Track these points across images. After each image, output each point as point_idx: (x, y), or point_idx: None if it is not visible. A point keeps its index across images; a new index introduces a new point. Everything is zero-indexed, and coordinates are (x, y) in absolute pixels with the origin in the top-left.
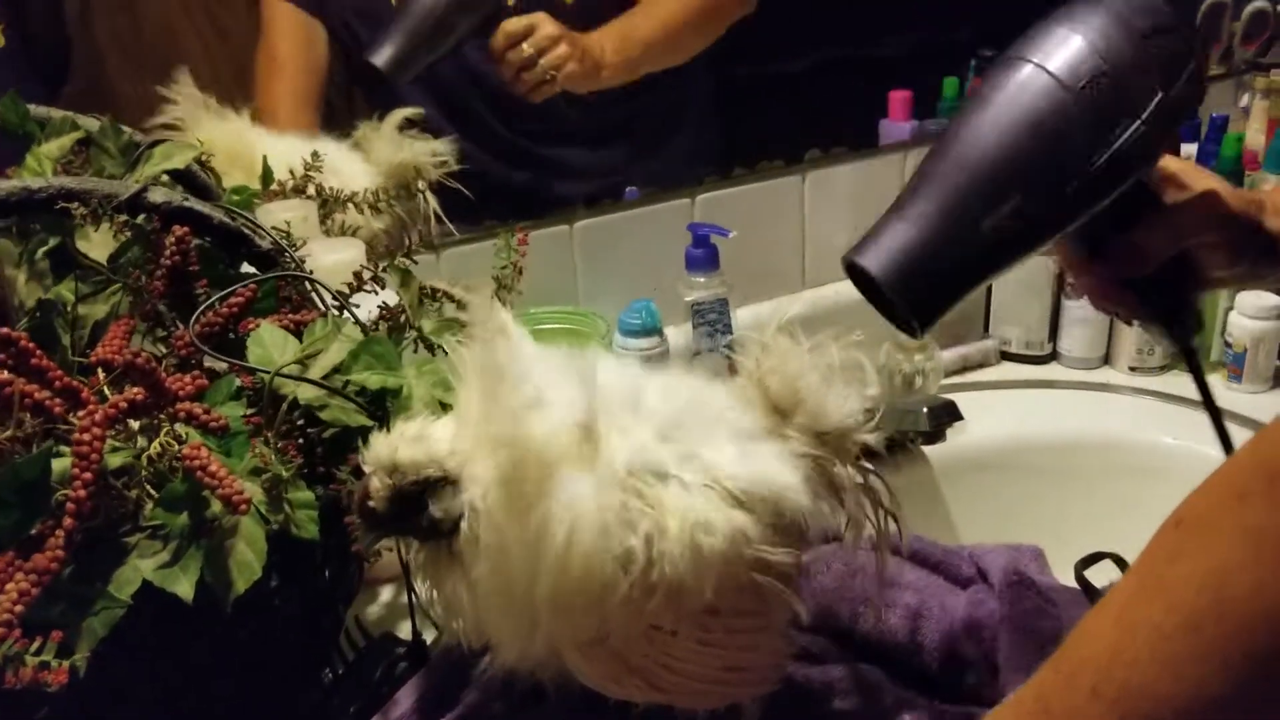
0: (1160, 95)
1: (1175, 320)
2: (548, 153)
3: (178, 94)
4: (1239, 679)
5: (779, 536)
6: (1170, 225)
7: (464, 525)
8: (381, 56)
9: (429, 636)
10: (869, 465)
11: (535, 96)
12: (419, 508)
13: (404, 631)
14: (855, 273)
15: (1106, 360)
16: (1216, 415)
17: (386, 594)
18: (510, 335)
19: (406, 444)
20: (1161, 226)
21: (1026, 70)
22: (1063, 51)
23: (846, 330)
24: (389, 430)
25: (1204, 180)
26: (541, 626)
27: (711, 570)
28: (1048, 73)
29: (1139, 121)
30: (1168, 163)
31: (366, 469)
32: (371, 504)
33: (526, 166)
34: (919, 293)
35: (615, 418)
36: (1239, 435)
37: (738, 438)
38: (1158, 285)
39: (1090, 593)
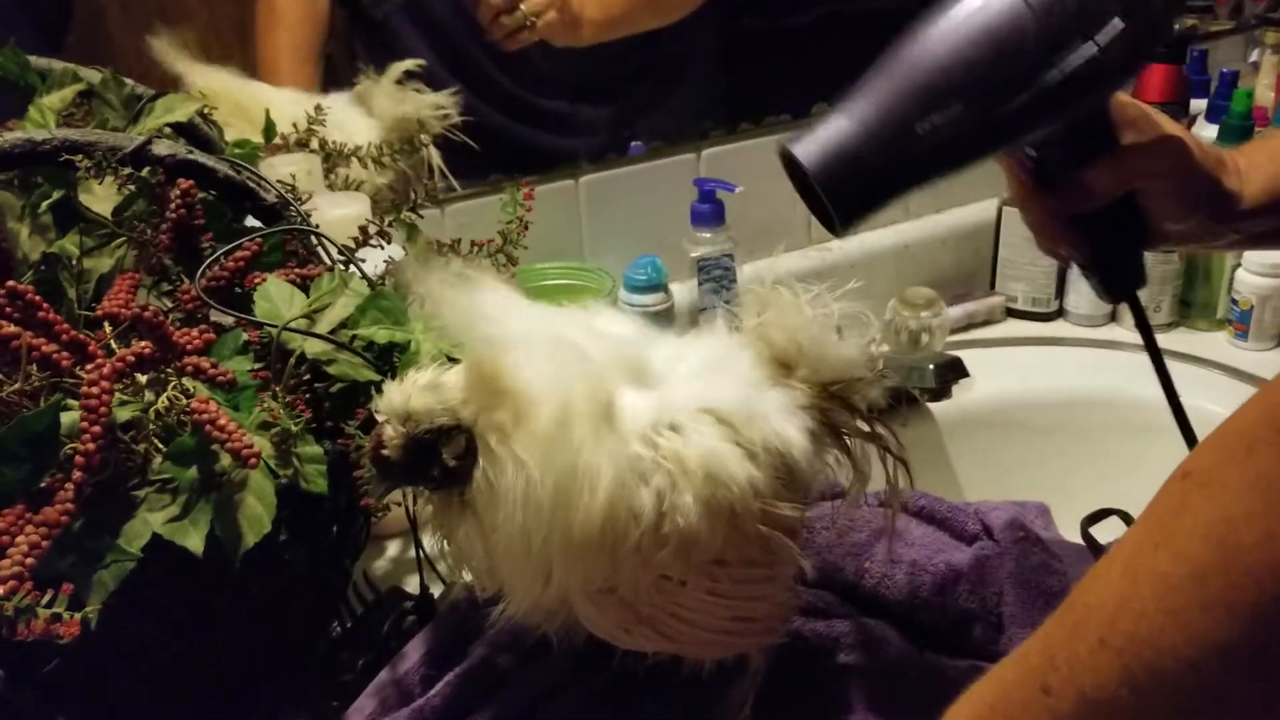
0: (1120, 24)
1: (1115, 269)
2: (550, 105)
3: (177, 46)
4: (1246, 629)
5: (786, 490)
6: (1121, 164)
7: (476, 474)
8: None
9: (436, 590)
10: (874, 414)
11: (510, 43)
12: (432, 456)
13: (411, 585)
14: (790, 164)
15: (1112, 317)
16: (1162, 367)
17: (394, 549)
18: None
19: (420, 392)
20: (1112, 165)
21: None
22: None
23: (852, 293)
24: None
25: (1166, 127)
26: (553, 575)
27: (722, 522)
28: None
29: (1095, 46)
30: (1137, 105)
31: (379, 417)
32: (385, 452)
33: (529, 120)
34: (845, 190)
35: (627, 371)
36: (1241, 391)
37: (745, 391)
38: (1104, 228)
39: (1096, 549)
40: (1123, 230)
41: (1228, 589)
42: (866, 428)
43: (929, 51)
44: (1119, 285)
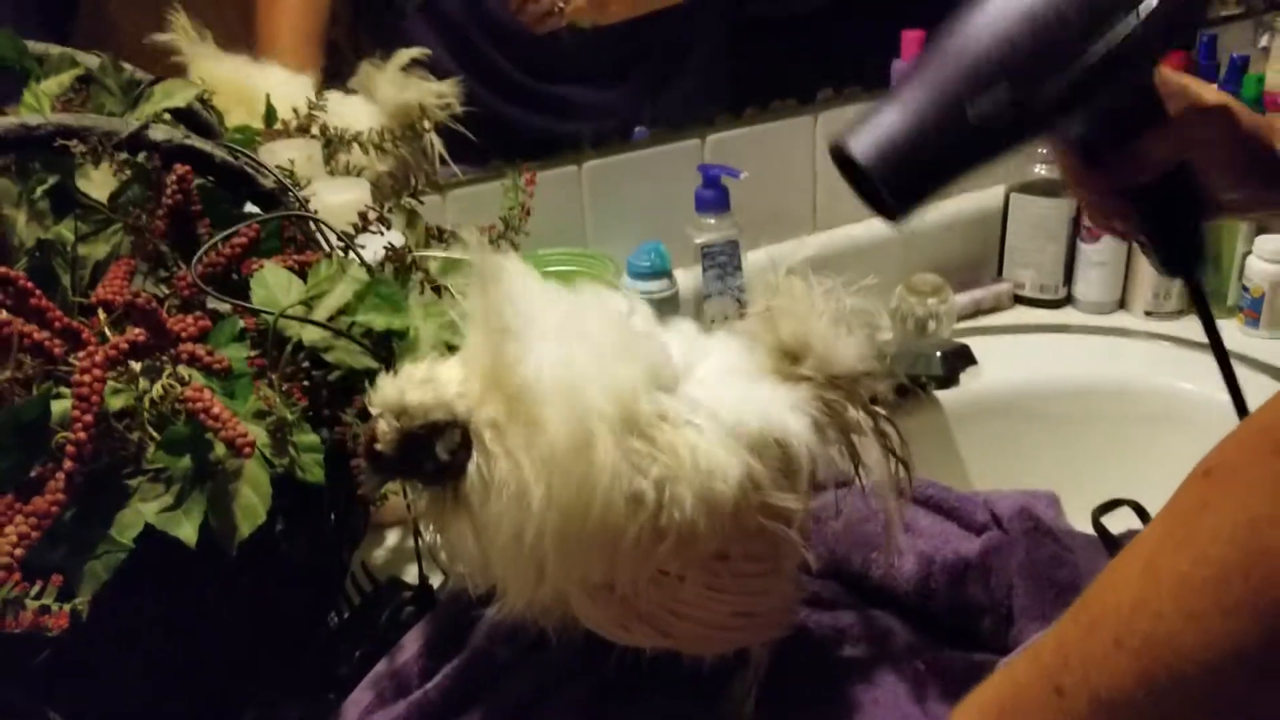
0: None
1: (1174, 245)
2: (554, 91)
3: (177, 31)
4: (1268, 635)
5: (788, 481)
6: (1172, 135)
7: (470, 469)
8: None
9: (435, 581)
10: (880, 409)
11: (540, 27)
12: (426, 451)
13: (410, 576)
14: (841, 159)
15: (1122, 305)
16: (1223, 354)
17: (393, 538)
18: (515, 278)
19: (414, 387)
20: (1163, 135)
21: None
22: None
23: (858, 273)
24: (396, 372)
25: (1213, 95)
26: (548, 571)
27: (721, 515)
28: None
29: (1136, 19)
30: (1177, 76)
31: (373, 411)
32: (378, 447)
33: (533, 106)
34: (901, 178)
35: (626, 361)
36: (1252, 379)
37: (748, 381)
38: (1159, 201)
39: (1107, 540)
40: (1177, 203)
41: (1251, 593)
42: (870, 423)
43: (973, 38)
44: (1179, 260)
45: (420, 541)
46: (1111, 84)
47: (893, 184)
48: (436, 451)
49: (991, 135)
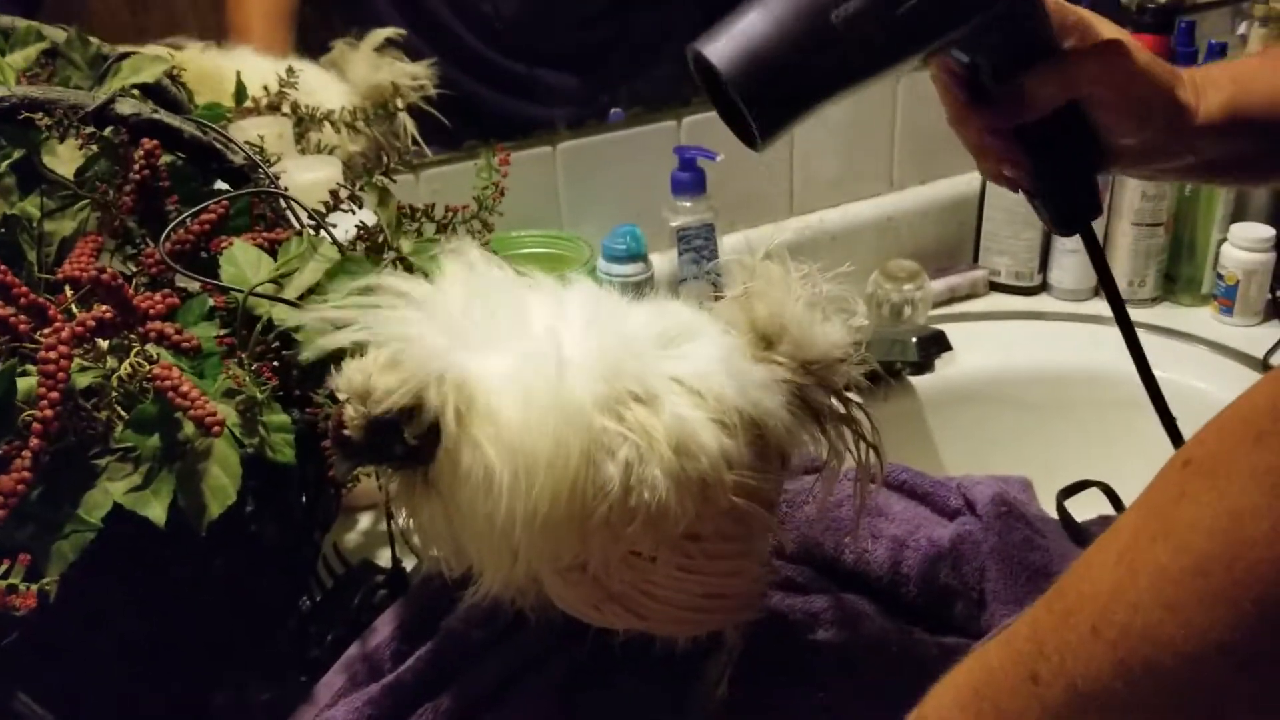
0: None
1: (1066, 197)
2: (527, 73)
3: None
4: (1248, 626)
5: (760, 461)
6: (1063, 70)
7: (439, 453)
8: None
9: (409, 564)
10: (852, 396)
11: None
12: (394, 436)
13: (383, 559)
14: (701, 66)
15: (1096, 292)
16: (1119, 304)
17: (365, 521)
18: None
19: (380, 371)
20: (1053, 71)
21: None
22: None
23: (834, 257)
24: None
25: (1109, 30)
26: (521, 553)
27: (691, 494)
28: None
29: None
30: (1072, 12)
31: (340, 396)
32: (346, 433)
33: (506, 88)
34: (766, 96)
35: (596, 341)
36: (1226, 367)
37: (721, 361)
38: (1050, 146)
39: (1069, 524)
40: (1070, 148)
41: (1231, 585)
42: (843, 409)
43: None
44: (1070, 213)
45: (393, 525)
46: (985, 11)
47: (757, 104)
48: (405, 436)
49: (860, 48)
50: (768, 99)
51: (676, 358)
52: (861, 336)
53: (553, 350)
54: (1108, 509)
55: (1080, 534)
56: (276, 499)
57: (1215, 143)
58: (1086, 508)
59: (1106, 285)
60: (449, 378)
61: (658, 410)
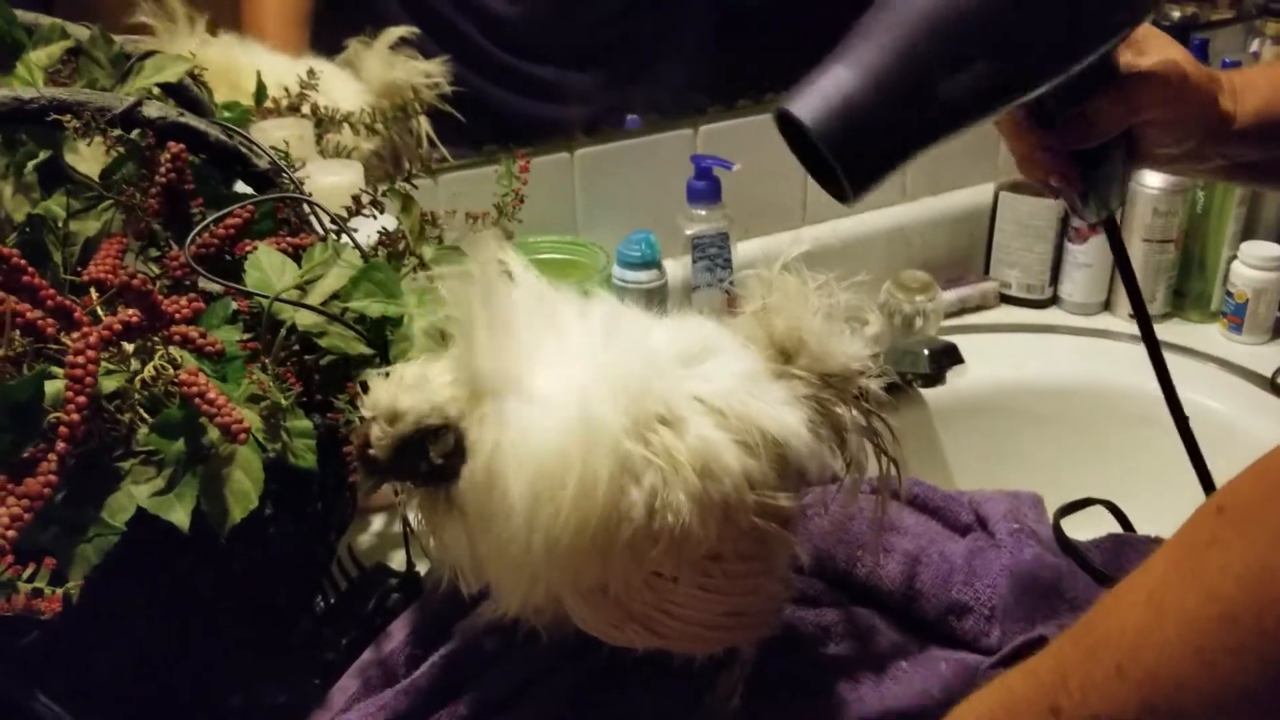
0: None
1: (1102, 194)
2: (537, 72)
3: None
4: (1274, 677)
5: (781, 480)
6: (1127, 96)
7: (464, 472)
8: None
9: (423, 567)
10: (872, 408)
11: None
12: (419, 454)
13: (397, 561)
14: (787, 125)
15: (1106, 306)
16: (1134, 288)
17: (379, 523)
18: (506, 279)
19: (406, 391)
20: (1117, 97)
21: None
22: None
23: (847, 268)
24: (389, 361)
25: (1162, 46)
26: (541, 575)
27: (715, 516)
28: None
29: None
30: None
31: (366, 414)
32: (372, 451)
33: (516, 87)
34: (858, 152)
35: (622, 361)
36: (1235, 385)
37: (742, 379)
38: (1097, 157)
39: (1065, 543)
40: (1115, 156)
41: (1260, 636)
42: (863, 422)
43: None
44: (1103, 205)
45: (408, 528)
46: (1092, 51)
47: (850, 162)
48: (430, 455)
49: (960, 110)
50: (861, 156)
51: (699, 376)
52: (879, 348)
53: (581, 372)
54: (1114, 526)
55: (1078, 554)
56: (294, 503)
57: (1249, 147)
58: (1095, 525)
59: (1128, 282)
60: (475, 400)
61: (682, 433)
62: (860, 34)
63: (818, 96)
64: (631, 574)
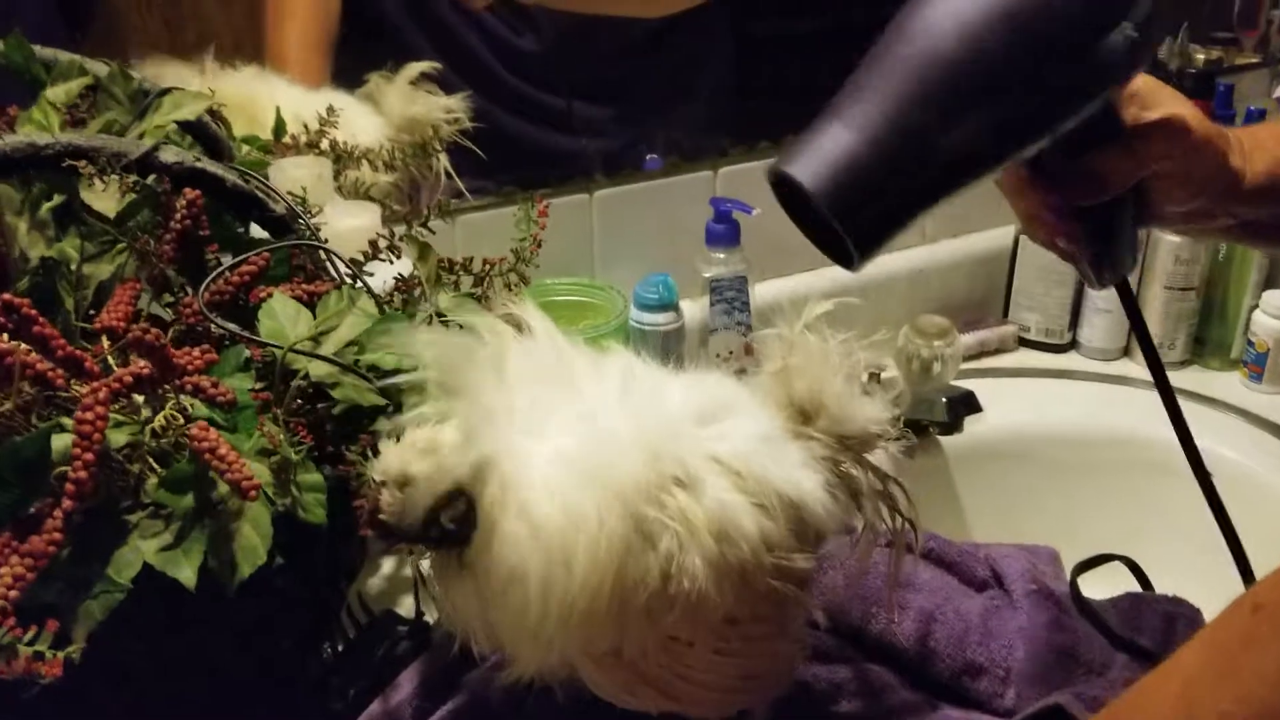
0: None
1: (1111, 256)
2: (555, 103)
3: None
4: None
5: (798, 542)
6: (1133, 151)
7: (476, 537)
8: None
9: (431, 616)
10: (888, 472)
11: (476, 1)
12: (431, 519)
13: (405, 606)
14: (783, 187)
15: (1126, 352)
16: (1154, 356)
17: (388, 566)
18: (531, 331)
19: (417, 456)
20: (1124, 152)
21: None
22: None
23: (866, 310)
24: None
25: (1169, 100)
26: (555, 640)
27: (731, 581)
28: None
29: (1130, 27)
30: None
31: (377, 478)
32: (383, 516)
33: (534, 117)
34: (861, 215)
35: (638, 421)
36: (1255, 436)
37: (760, 440)
38: (1104, 216)
39: (1081, 603)
40: (1121, 215)
41: None
42: (880, 485)
43: (938, 42)
44: (1113, 270)
45: (418, 576)
46: (1094, 101)
47: (852, 222)
48: (442, 520)
49: (962, 165)
50: (865, 218)
51: (716, 436)
52: (899, 410)
53: (596, 433)
54: (1133, 584)
55: (1095, 616)
56: (303, 553)
57: (1258, 206)
58: (1113, 580)
59: (1143, 340)
60: (487, 465)
61: (699, 495)
62: (854, 90)
63: (815, 159)
64: (646, 639)
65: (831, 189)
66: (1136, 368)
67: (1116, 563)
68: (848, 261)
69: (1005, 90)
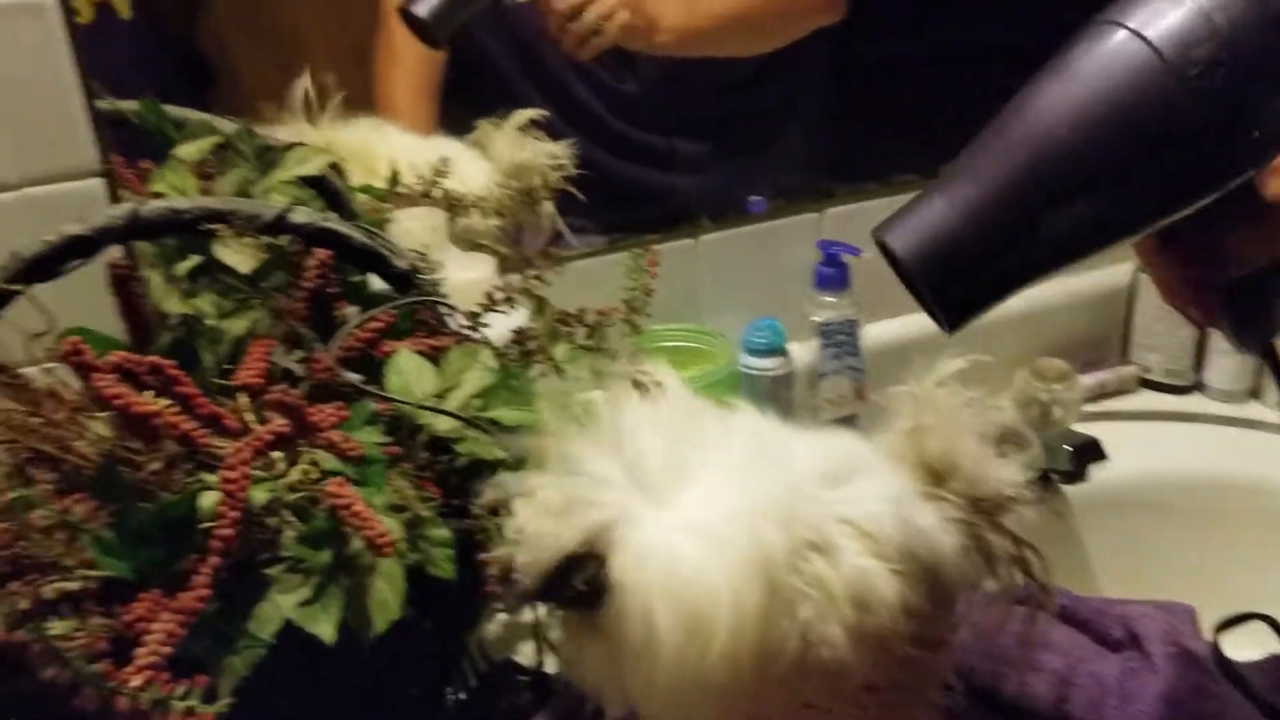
0: None
1: (1252, 324)
2: (655, 142)
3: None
4: None
5: (934, 606)
6: (1264, 229)
7: (609, 600)
8: (424, 6)
9: (551, 665)
10: (1022, 536)
11: (583, 52)
12: (563, 581)
13: (524, 653)
14: (887, 252)
15: (1254, 394)
16: None
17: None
18: (663, 388)
19: (552, 517)
20: (1258, 230)
21: (1119, 37)
22: (1170, 21)
23: (979, 351)
24: (524, 467)
25: None
26: (691, 709)
27: (870, 648)
28: (1148, 45)
29: (1257, 129)
30: None
31: (510, 536)
32: (515, 576)
33: (635, 157)
34: (952, 288)
35: (769, 483)
36: None
37: (892, 501)
38: (1244, 288)
39: (1224, 665)
40: (1264, 289)
41: None
42: (1014, 550)
43: (1048, 128)
44: (1257, 336)
45: (539, 626)
46: (1214, 193)
47: (941, 294)
48: (574, 582)
49: (1062, 248)
50: (958, 293)
51: (847, 499)
52: (1034, 473)
53: (728, 496)
54: (1274, 645)
55: (1242, 681)
56: (430, 607)
57: None
58: (1252, 640)
59: None
60: (622, 527)
61: (835, 561)
62: (963, 164)
63: (914, 229)
64: (784, 708)
65: (925, 264)
66: (1265, 410)
67: (1256, 621)
68: (940, 326)
69: (1111, 184)
